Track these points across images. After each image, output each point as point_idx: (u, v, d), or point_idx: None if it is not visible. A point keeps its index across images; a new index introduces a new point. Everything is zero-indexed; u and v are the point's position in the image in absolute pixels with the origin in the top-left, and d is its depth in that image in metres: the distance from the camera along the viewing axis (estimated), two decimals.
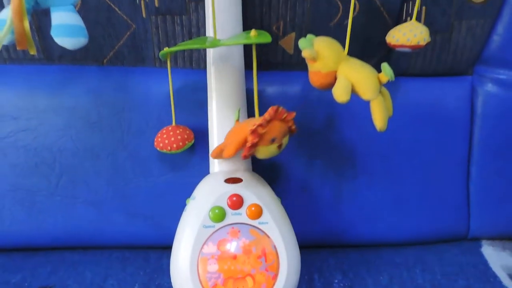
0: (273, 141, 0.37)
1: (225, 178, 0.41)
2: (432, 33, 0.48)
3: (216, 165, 0.44)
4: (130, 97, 0.49)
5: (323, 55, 0.37)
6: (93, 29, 0.47)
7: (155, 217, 0.51)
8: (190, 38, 0.48)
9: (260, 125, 0.35)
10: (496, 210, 0.56)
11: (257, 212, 0.39)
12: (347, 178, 0.53)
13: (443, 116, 0.53)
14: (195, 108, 0.49)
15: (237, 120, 0.42)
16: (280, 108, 0.36)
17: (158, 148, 0.46)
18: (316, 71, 0.37)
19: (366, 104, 0.37)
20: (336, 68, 0.37)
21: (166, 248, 0.46)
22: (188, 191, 0.43)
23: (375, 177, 0.53)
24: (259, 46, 0.49)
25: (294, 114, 0.37)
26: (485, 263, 0.53)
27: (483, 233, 0.57)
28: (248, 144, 0.36)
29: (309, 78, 0.38)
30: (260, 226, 0.39)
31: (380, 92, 0.37)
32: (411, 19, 0.47)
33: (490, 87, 0.53)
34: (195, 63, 0.50)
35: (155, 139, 0.47)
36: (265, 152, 0.37)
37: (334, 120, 0.51)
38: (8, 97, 0.49)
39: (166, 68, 0.49)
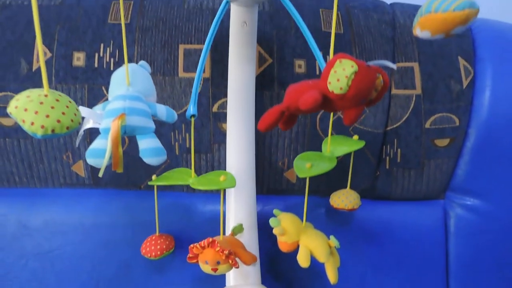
0: (206, 263, 0.45)
1: None
2: (407, 169, 0.60)
3: (231, 279, 0.52)
4: (161, 216, 0.58)
5: (288, 231, 0.47)
6: (136, 162, 0.57)
7: None
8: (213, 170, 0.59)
9: (195, 246, 0.45)
10: None
11: None
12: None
13: (421, 234, 0.62)
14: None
15: (232, 232, 0.49)
16: (216, 242, 0.44)
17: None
18: (284, 242, 0.48)
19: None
20: (298, 239, 0.48)
21: None
22: None
23: (365, 286, 0.61)
24: (269, 176, 0.60)
25: (228, 250, 0.44)
26: None
27: None
28: (188, 255, 0.45)
29: (278, 246, 0.48)
30: None
31: (331, 252, 0.47)
32: (389, 158, 0.59)
33: (459, 210, 0.62)
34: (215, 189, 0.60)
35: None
36: (203, 268, 0.46)
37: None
38: (60, 216, 0.59)
39: (193, 192, 0.60)
